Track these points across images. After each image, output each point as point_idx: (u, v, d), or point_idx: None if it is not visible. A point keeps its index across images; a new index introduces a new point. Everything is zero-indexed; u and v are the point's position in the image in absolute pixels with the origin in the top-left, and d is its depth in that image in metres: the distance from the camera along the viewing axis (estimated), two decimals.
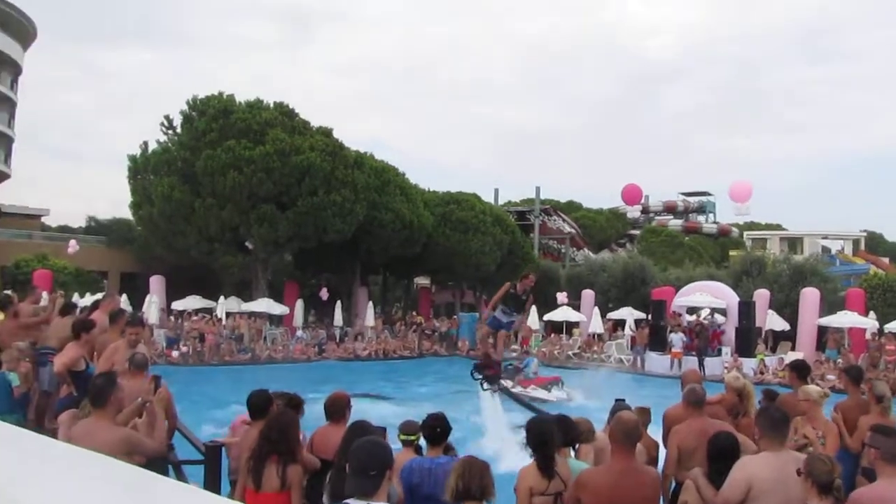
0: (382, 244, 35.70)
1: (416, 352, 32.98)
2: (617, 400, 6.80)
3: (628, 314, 35.65)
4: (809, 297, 30.46)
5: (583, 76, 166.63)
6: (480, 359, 13.36)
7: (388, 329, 34.75)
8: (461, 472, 4.22)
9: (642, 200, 72.30)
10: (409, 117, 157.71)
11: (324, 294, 36.78)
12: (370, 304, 36.57)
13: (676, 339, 28.15)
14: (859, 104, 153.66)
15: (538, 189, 56.59)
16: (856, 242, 62.68)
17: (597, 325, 34.53)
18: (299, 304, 34.66)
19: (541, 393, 20.83)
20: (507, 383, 20.70)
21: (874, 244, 74.07)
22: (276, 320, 33.61)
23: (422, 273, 44.44)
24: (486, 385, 12.95)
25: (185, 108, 33.81)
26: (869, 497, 4.49)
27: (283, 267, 37.87)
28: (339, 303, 35.70)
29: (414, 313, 38.67)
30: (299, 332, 32.54)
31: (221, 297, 32.83)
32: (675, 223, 72.49)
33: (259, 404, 6.06)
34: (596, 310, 35.32)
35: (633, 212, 40.32)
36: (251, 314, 32.30)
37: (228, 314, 32.31)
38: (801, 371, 7.73)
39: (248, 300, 33.29)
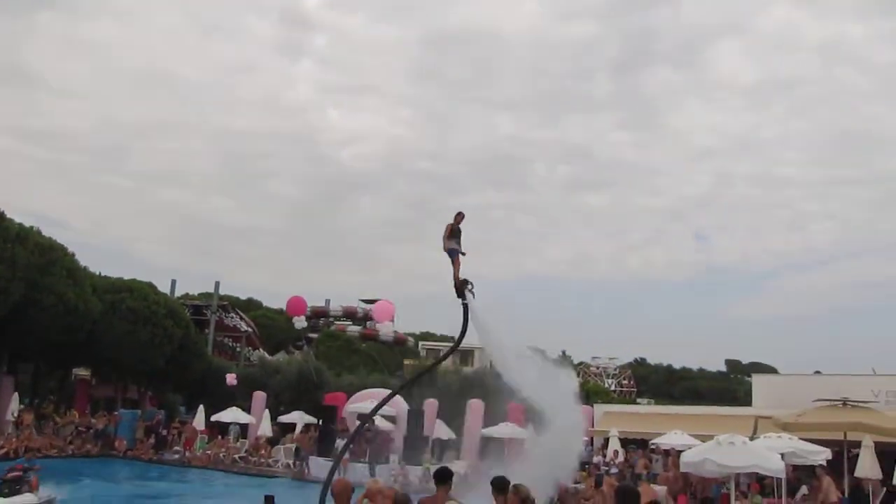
0: (40, 330, 32.40)
1: (65, 451, 30.01)
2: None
3: (299, 418, 35.34)
4: (475, 407, 32.15)
5: (278, 177, 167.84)
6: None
7: (35, 424, 31.34)
8: None
9: (310, 307, 73.48)
10: (89, 195, 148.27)
11: None
12: (16, 395, 32.95)
13: (342, 444, 28.16)
14: (531, 231, 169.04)
15: (217, 284, 55.22)
16: None
17: (266, 429, 33.78)
18: None
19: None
20: None
21: None
22: None
23: (82, 363, 41.01)
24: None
25: None
26: None
27: None
28: None
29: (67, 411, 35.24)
30: None
31: None
32: (353, 329, 73.72)
33: None
34: (266, 412, 34.61)
35: (299, 322, 41.49)
36: None
37: None
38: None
39: None
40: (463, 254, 15.54)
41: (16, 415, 31.13)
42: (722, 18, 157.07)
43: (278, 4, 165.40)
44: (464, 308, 15.58)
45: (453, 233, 15.50)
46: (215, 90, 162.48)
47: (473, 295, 15.55)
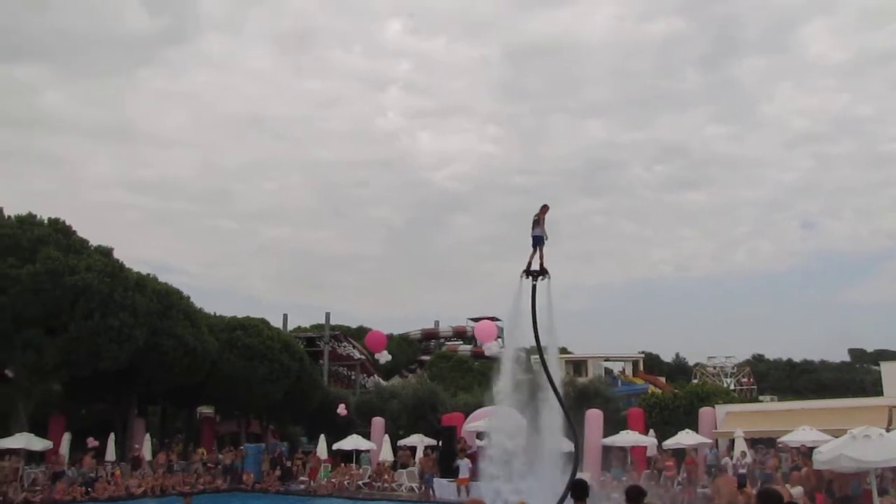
0: (163, 372, 33.59)
1: (197, 488, 30.85)
2: None
3: (419, 441, 35.42)
4: (593, 418, 31.60)
5: (376, 204, 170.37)
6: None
7: (168, 463, 32.39)
8: None
9: (420, 330, 73.65)
10: (198, 240, 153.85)
11: (90, 443, 32.81)
12: (147, 435, 34.11)
13: (463, 465, 28.05)
14: (632, 234, 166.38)
15: (328, 315, 56.19)
16: (635, 364, 66.46)
17: (387, 453, 33.98)
18: (66, 437, 31.62)
19: None
20: None
21: (652, 364, 79.13)
22: (36, 457, 30.33)
23: (205, 402, 42.26)
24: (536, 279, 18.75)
25: None
26: None
27: (49, 397, 34.54)
28: (112, 436, 32.88)
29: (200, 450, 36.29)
30: (64, 470, 29.56)
31: None
32: (464, 348, 73.86)
33: None
34: (386, 437, 34.85)
35: (383, 357, 41.61)
36: (5, 452, 28.90)
37: None
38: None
39: (4, 435, 29.76)
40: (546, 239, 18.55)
41: (143, 455, 32.41)
42: None
43: (361, 36, 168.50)
44: (533, 289, 18.42)
45: (538, 223, 18.23)
46: (308, 126, 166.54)
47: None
